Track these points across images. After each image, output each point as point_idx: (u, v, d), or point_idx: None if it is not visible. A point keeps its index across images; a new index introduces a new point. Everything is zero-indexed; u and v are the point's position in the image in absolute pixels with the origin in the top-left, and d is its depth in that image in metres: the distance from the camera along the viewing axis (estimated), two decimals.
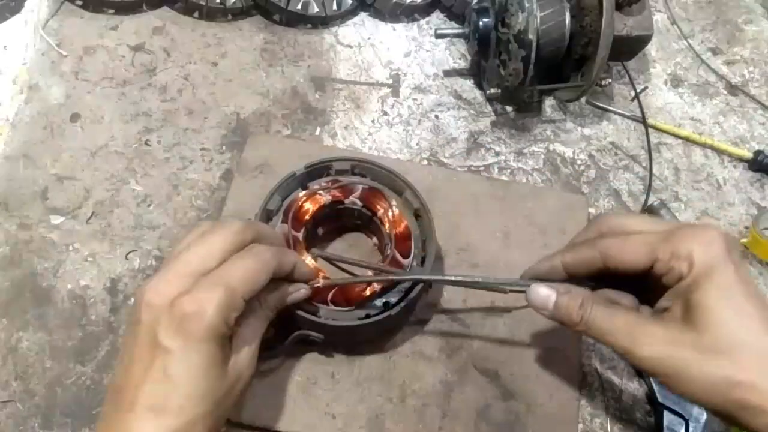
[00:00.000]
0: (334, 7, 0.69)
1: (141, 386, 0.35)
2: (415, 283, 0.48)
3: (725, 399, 0.33)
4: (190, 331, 0.35)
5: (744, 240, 0.60)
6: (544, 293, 0.40)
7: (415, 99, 0.66)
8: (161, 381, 0.35)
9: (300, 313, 0.46)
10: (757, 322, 0.34)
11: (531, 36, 0.56)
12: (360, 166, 0.54)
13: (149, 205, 0.58)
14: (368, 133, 0.64)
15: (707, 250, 0.35)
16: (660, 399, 0.50)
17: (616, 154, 0.65)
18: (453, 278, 0.48)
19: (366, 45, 0.70)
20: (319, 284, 0.46)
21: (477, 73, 0.68)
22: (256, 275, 0.39)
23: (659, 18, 0.74)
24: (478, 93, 0.68)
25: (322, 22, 0.70)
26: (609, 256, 0.39)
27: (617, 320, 0.38)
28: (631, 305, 0.41)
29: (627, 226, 0.40)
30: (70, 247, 0.55)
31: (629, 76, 0.67)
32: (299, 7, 0.67)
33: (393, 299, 0.48)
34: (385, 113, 0.65)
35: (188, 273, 0.37)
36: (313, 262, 0.49)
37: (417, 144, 0.64)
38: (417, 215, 0.52)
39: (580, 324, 0.38)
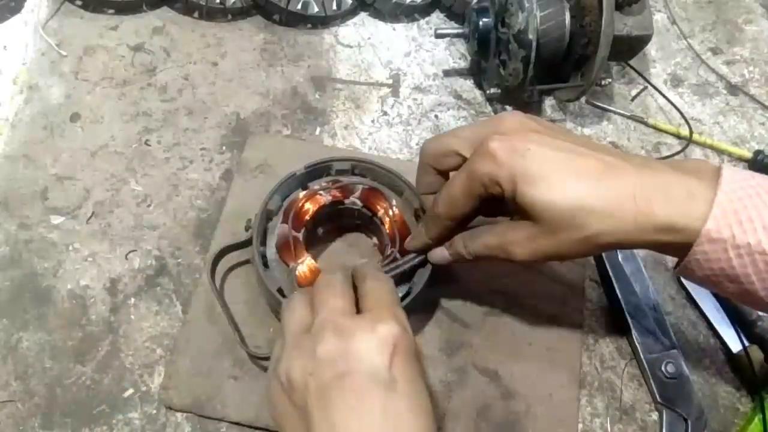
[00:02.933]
0: (334, 7, 0.69)
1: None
2: (414, 284, 0.48)
3: (594, 247, 0.38)
4: (407, 363, 0.35)
5: None
6: (440, 253, 0.46)
7: (415, 99, 0.66)
8: (391, 422, 0.32)
9: None
10: (572, 188, 0.37)
11: (531, 36, 0.56)
12: (360, 166, 0.54)
13: (149, 205, 0.58)
14: (368, 133, 0.64)
15: (497, 164, 0.38)
16: (660, 399, 0.50)
17: None
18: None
19: (366, 45, 0.70)
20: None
21: (477, 73, 0.68)
22: (394, 293, 0.41)
23: (659, 18, 0.74)
24: (478, 93, 0.68)
25: (322, 22, 0.70)
26: (450, 216, 0.43)
27: (489, 241, 0.42)
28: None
29: (449, 146, 0.44)
30: (70, 247, 0.55)
31: (636, 72, 0.67)
32: (299, 7, 0.67)
33: None
34: (385, 113, 0.65)
35: (345, 313, 0.37)
36: (312, 262, 0.49)
37: (417, 144, 0.64)
38: (417, 215, 0.53)
39: (470, 256, 0.43)
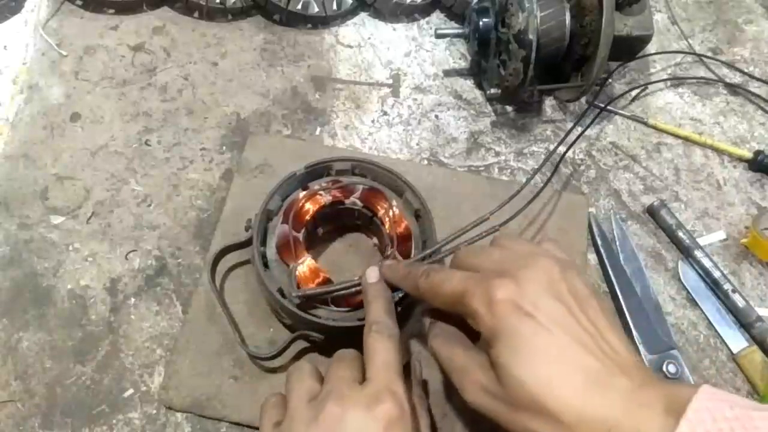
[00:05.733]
0: (334, 7, 0.69)
1: None
2: None
3: None
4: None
5: (744, 240, 0.60)
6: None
7: (415, 99, 0.66)
8: None
9: (300, 313, 0.46)
10: (552, 378, 0.33)
11: (531, 36, 0.56)
12: (360, 167, 0.54)
13: (149, 205, 0.58)
14: (368, 133, 0.64)
15: (491, 312, 0.35)
16: None
17: (616, 154, 0.65)
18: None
19: (366, 45, 0.70)
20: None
21: (477, 73, 0.68)
22: (396, 354, 0.40)
23: (659, 18, 0.74)
24: (478, 93, 0.68)
25: (322, 22, 0.70)
26: (425, 291, 0.40)
27: (455, 354, 0.39)
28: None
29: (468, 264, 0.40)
30: (70, 247, 0.55)
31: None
32: (299, 7, 0.67)
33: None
34: (385, 113, 0.65)
35: (350, 383, 0.38)
36: (312, 262, 0.49)
37: (417, 144, 0.64)
38: (417, 215, 0.52)
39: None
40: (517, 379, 0.33)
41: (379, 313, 0.42)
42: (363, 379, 0.38)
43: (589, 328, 0.34)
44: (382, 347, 0.39)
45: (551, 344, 0.33)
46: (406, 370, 0.40)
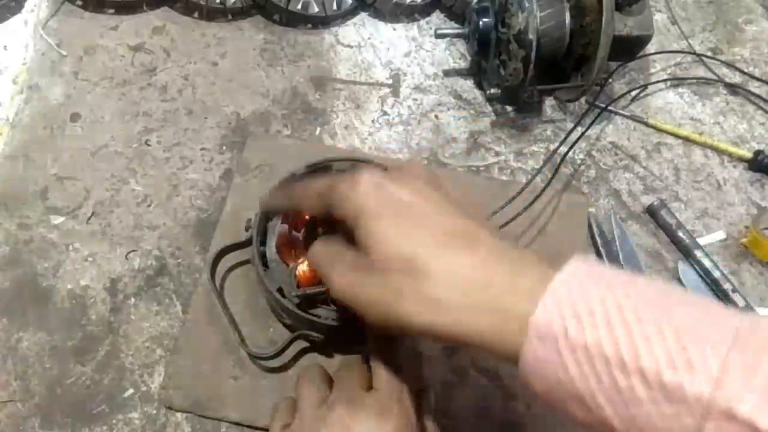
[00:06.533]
0: (334, 7, 0.69)
1: None
2: None
3: (387, 313, 0.32)
4: None
5: (744, 240, 0.60)
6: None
7: (415, 99, 0.66)
8: None
9: (300, 313, 0.46)
10: (416, 234, 0.32)
11: (531, 36, 0.56)
12: (360, 167, 0.54)
13: (149, 205, 0.58)
14: (368, 133, 0.64)
15: (356, 191, 0.34)
16: None
17: (616, 154, 0.65)
18: None
19: (366, 45, 0.70)
20: None
21: (477, 73, 0.68)
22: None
23: (659, 18, 0.74)
24: (478, 93, 0.68)
25: (322, 22, 0.70)
26: (294, 202, 0.41)
27: (321, 249, 0.38)
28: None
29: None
30: (70, 247, 0.55)
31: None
32: (299, 7, 0.67)
33: None
34: (385, 113, 0.65)
35: (360, 388, 0.39)
36: None
37: (417, 144, 0.64)
38: None
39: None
40: (382, 237, 0.32)
41: None
42: (371, 385, 0.39)
43: (455, 201, 0.34)
44: (386, 355, 0.40)
45: (417, 210, 0.33)
46: (418, 395, 0.40)
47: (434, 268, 0.31)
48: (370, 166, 0.39)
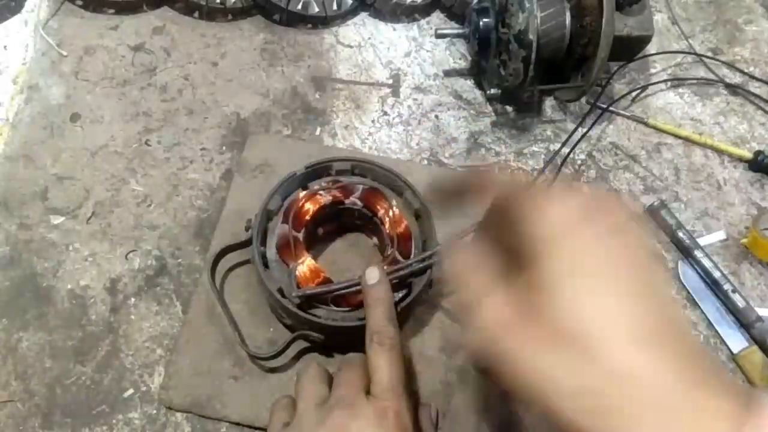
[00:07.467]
0: (334, 7, 0.69)
1: None
2: (414, 284, 0.48)
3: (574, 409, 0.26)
4: None
5: (744, 240, 0.60)
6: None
7: (415, 99, 0.66)
8: None
9: (300, 313, 0.46)
10: (611, 313, 0.27)
11: (531, 36, 0.56)
12: (360, 167, 0.54)
13: (149, 205, 0.58)
14: (368, 133, 0.64)
15: (543, 216, 0.29)
16: None
17: (616, 154, 0.65)
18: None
19: (366, 45, 0.70)
20: None
21: (477, 73, 0.68)
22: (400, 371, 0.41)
23: (659, 18, 0.74)
24: (478, 93, 0.68)
25: (322, 22, 0.70)
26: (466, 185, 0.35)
27: (466, 265, 0.32)
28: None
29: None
30: (70, 247, 0.55)
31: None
32: (299, 7, 0.67)
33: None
34: (385, 113, 0.65)
35: (359, 392, 0.39)
36: (312, 262, 0.49)
37: (417, 144, 0.64)
38: (417, 215, 0.52)
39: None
40: (569, 302, 0.26)
41: (379, 319, 0.42)
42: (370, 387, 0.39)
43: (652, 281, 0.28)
44: (384, 362, 0.40)
45: (616, 275, 0.27)
46: (416, 408, 0.42)
47: (618, 365, 0.25)
48: (567, 185, 0.31)
